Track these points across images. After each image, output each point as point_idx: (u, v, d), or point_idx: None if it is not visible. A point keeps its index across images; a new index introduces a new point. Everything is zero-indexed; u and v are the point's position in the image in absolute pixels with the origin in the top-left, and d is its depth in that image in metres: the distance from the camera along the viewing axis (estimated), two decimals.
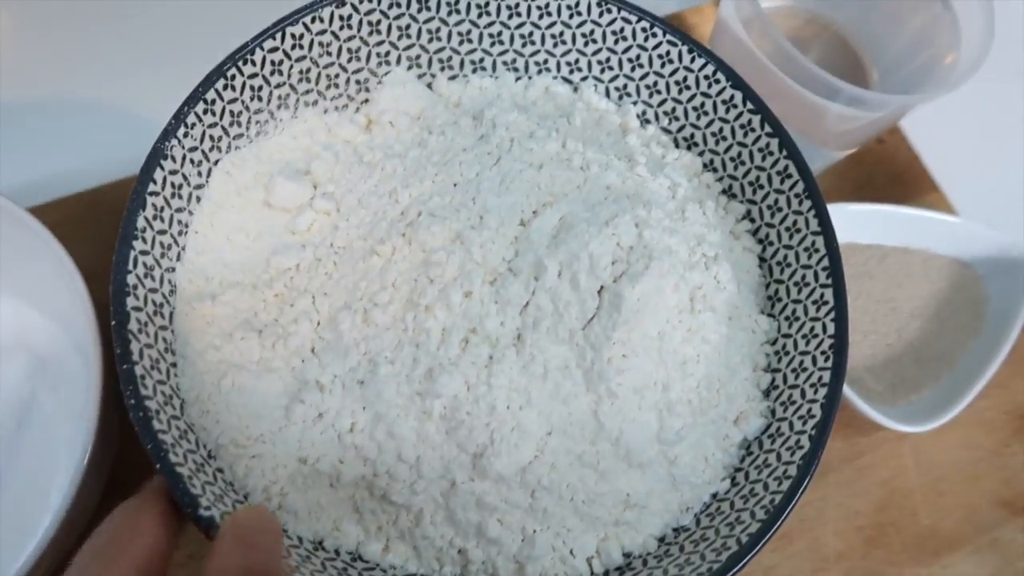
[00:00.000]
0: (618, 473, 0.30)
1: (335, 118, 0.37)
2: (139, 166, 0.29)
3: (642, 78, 0.37)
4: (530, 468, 0.30)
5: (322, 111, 0.36)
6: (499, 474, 0.30)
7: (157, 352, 0.28)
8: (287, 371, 0.31)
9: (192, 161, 0.31)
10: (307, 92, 0.35)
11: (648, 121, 0.38)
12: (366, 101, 0.37)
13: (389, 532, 0.31)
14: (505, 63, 0.38)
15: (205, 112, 0.31)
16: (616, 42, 0.36)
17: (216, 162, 0.33)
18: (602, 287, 0.28)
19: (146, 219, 0.29)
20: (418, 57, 0.37)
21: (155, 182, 0.29)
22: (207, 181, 0.33)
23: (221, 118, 0.32)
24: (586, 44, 0.37)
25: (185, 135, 0.31)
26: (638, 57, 0.36)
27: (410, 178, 0.33)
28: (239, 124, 0.33)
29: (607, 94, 0.38)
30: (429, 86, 0.38)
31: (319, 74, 0.35)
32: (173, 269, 0.31)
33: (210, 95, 0.31)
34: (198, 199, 0.32)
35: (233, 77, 0.32)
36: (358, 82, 0.37)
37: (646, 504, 0.31)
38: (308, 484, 0.30)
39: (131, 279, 0.28)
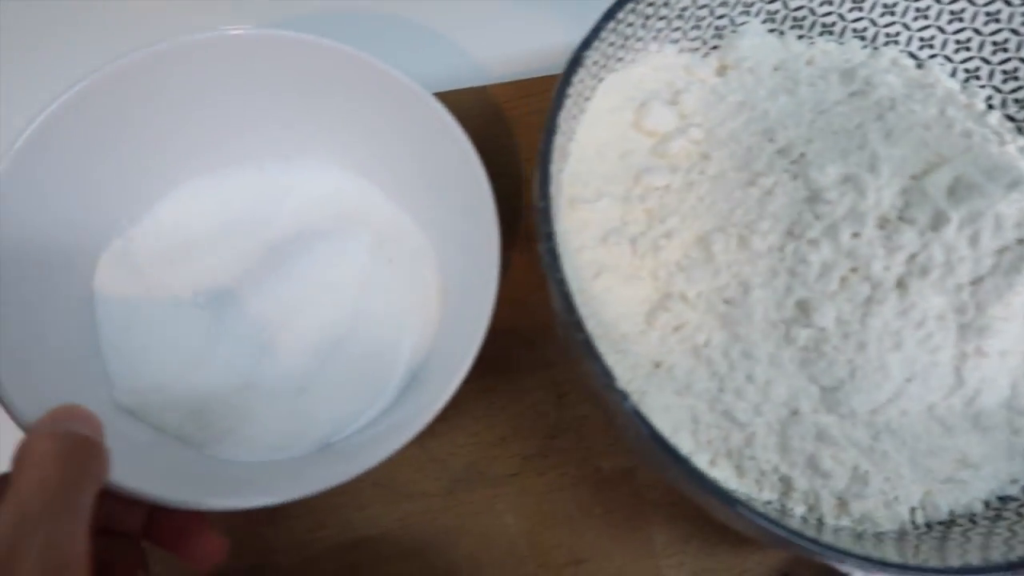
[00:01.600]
0: (961, 432, 0.31)
1: (688, 58, 0.38)
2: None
3: (1001, 63, 0.37)
4: (881, 410, 0.31)
5: (678, 50, 0.38)
6: (851, 410, 0.31)
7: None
8: (651, 280, 0.34)
9: (590, 74, 0.34)
10: (676, 29, 0.37)
11: (992, 107, 0.38)
12: (715, 48, 0.39)
13: (718, 447, 0.33)
14: (855, 30, 0.39)
15: (610, 31, 0.34)
16: (986, 23, 0.37)
17: (601, 80, 0.35)
18: (1003, 247, 0.29)
19: (561, 118, 0.32)
20: (776, 12, 0.39)
21: (571, 84, 0.32)
22: (591, 95, 0.35)
23: (615, 39, 0.34)
24: (950, 22, 0.38)
25: (595, 48, 0.33)
26: (1005, 41, 0.37)
27: (786, 120, 0.34)
28: (624, 48, 0.35)
29: (952, 74, 0.39)
30: None
31: (692, 15, 0.37)
32: (561, 171, 0.34)
33: (621, 14, 0.33)
34: (582, 111, 0.35)
35: (638, 1, 0.34)
36: (716, 28, 0.38)
37: (979, 467, 0.32)
38: (660, 387, 0.32)
39: (551, 169, 0.30)
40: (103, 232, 0.36)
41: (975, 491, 0.32)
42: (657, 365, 0.33)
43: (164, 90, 0.35)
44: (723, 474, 0.33)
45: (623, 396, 0.27)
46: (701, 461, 0.33)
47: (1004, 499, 0.32)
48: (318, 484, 0.29)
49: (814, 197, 0.31)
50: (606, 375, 0.27)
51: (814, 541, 0.26)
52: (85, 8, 0.46)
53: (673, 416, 0.33)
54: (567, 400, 0.38)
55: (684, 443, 0.33)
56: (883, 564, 0.27)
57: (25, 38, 0.45)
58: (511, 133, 0.43)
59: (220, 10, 0.47)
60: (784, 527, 0.26)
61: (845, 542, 0.30)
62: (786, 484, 0.32)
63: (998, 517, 0.31)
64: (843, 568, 0.29)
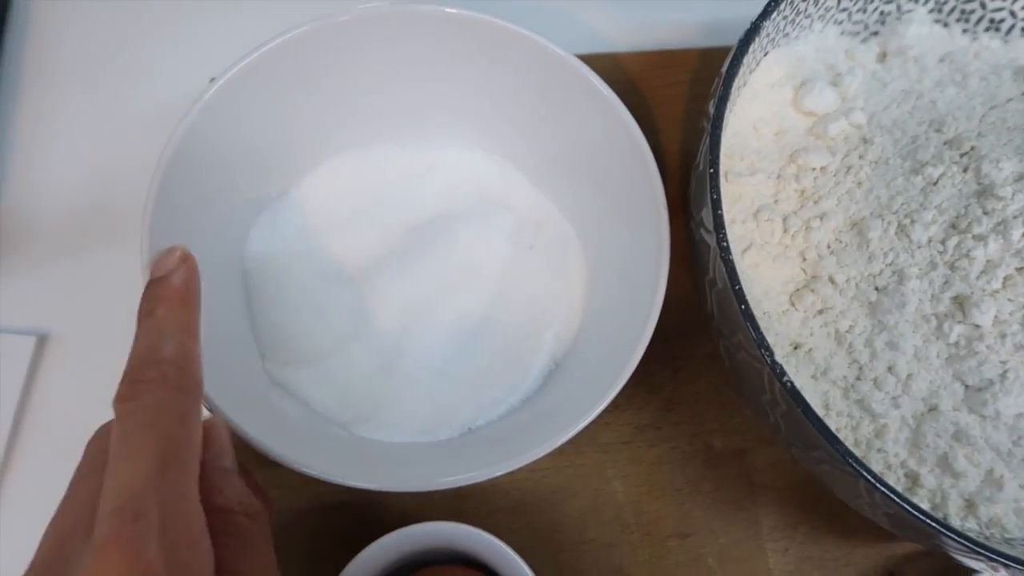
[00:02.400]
0: None
1: (849, 42, 0.38)
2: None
3: None
4: None
5: (840, 32, 0.37)
6: (996, 412, 0.30)
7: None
8: (800, 260, 0.33)
9: (760, 46, 0.33)
10: (843, 10, 0.36)
11: None
12: (875, 33, 0.38)
13: (846, 436, 0.32)
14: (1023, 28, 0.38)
15: (786, 2, 0.33)
16: None
17: (767, 53, 0.35)
18: None
19: (733, 86, 0.31)
20: (944, 2, 0.37)
21: (747, 52, 0.31)
22: (756, 68, 0.34)
23: (789, 12, 0.34)
24: None
25: (772, 19, 0.32)
26: None
27: (955, 111, 0.33)
28: (793, 23, 0.35)
29: None
30: None
31: None
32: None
33: None
34: (744, 83, 0.34)
35: None
36: (882, 13, 0.37)
37: None
38: (796, 369, 0.32)
39: (720, 136, 0.30)
40: (254, 205, 0.36)
41: None
42: (796, 347, 0.32)
43: (311, 68, 0.34)
44: None
45: (780, 370, 0.27)
46: None
47: None
48: (469, 475, 0.29)
49: (985, 192, 0.31)
50: (763, 346, 0.27)
51: (956, 533, 0.26)
52: None
53: (806, 399, 0.32)
54: (683, 375, 0.38)
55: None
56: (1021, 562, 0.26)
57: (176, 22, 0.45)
58: (647, 103, 0.43)
59: None
60: (934, 518, 0.26)
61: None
62: (912, 480, 0.32)
63: None
64: (970, 564, 0.29)
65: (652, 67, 0.44)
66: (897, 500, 0.26)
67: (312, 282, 0.35)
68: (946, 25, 0.38)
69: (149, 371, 0.23)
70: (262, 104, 0.33)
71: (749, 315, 0.27)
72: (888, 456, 0.32)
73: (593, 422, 0.37)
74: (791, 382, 0.27)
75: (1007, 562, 0.26)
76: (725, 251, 0.28)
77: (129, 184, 0.36)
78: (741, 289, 0.27)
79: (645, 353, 0.38)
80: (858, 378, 0.32)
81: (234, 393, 0.29)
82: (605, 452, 0.37)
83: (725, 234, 0.28)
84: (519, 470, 0.36)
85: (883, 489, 0.26)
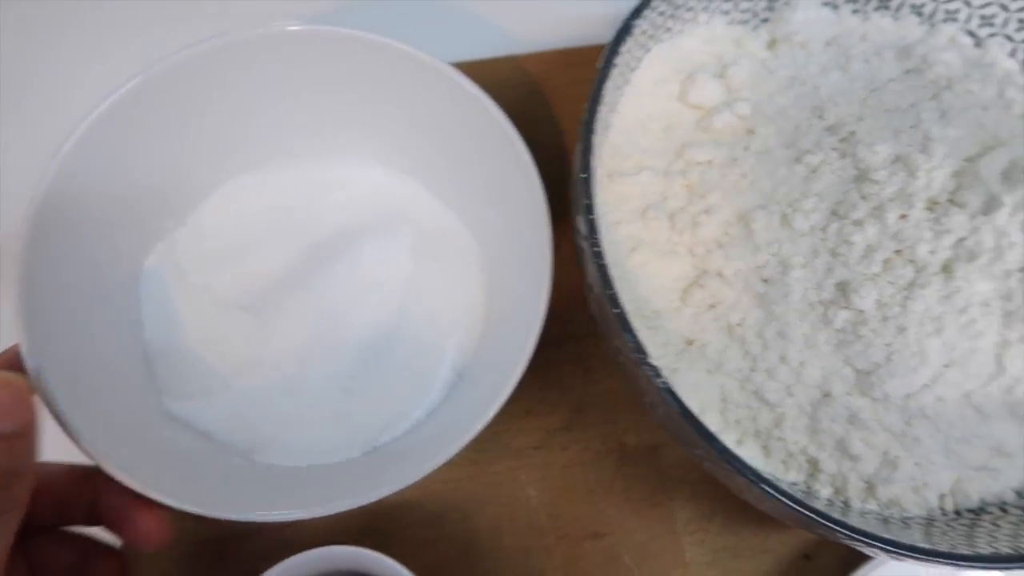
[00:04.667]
0: (998, 420, 0.31)
1: (739, 31, 0.37)
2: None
3: None
4: (917, 395, 0.31)
5: (728, 22, 0.37)
6: (885, 394, 0.31)
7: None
8: (689, 257, 0.33)
9: (638, 44, 0.33)
10: (727, 0, 0.36)
11: None
12: (766, 20, 0.38)
13: (746, 427, 0.32)
14: (913, 5, 0.38)
15: (654, 1, 0.33)
16: None
17: (648, 50, 0.35)
18: None
19: (607, 88, 0.31)
20: None
21: (618, 53, 0.31)
22: (637, 66, 0.34)
23: (665, 7, 0.33)
24: None
25: (645, 16, 0.32)
26: None
27: (837, 96, 0.33)
28: (673, 18, 0.35)
29: (1012, 54, 0.37)
30: None
31: None
32: (602, 143, 0.33)
33: None
34: (627, 82, 0.34)
35: None
36: (769, 0, 0.37)
37: (1014, 456, 0.31)
38: (691, 365, 0.32)
39: (595, 140, 0.30)
40: (147, 235, 0.35)
41: (1008, 480, 0.31)
42: (689, 342, 0.32)
43: (201, 90, 0.34)
44: (750, 454, 0.32)
45: (655, 372, 0.27)
46: (728, 440, 0.32)
47: None
48: (370, 494, 0.29)
49: (862, 176, 0.31)
50: (638, 350, 0.27)
51: (840, 523, 0.26)
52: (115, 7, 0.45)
53: (703, 394, 0.32)
54: (594, 375, 0.38)
55: (712, 422, 0.32)
56: (911, 549, 0.27)
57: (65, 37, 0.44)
58: (549, 104, 0.42)
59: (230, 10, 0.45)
60: (811, 508, 0.26)
61: (871, 526, 0.29)
62: (813, 466, 0.32)
63: None
64: (868, 552, 0.29)
65: (556, 66, 0.44)
66: (772, 492, 0.26)
67: (210, 311, 0.35)
68: (835, 7, 0.38)
69: None
70: (144, 134, 0.33)
71: (623, 319, 0.27)
72: (788, 444, 0.32)
73: (505, 429, 0.37)
74: (665, 383, 0.27)
75: (885, 547, 0.26)
76: (598, 256, 0.28)
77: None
78: (615, 294, 0.27)
79: (556, 355, 0.39)
80: (752, 369, 0.32)
81: (121, 437, 0.29)
82: (518, 458, 0.37)
83: (598, 239, 0.28)
84: (432, 482, 0.36)
85: (761, 485, 0.26)
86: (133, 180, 0.34)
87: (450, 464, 0.36)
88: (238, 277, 0.36)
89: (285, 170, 0.38)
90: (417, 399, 0.34)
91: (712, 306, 0.32)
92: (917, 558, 0.26)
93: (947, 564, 0.26)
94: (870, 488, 0.32)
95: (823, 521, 0.26)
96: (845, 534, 0.26)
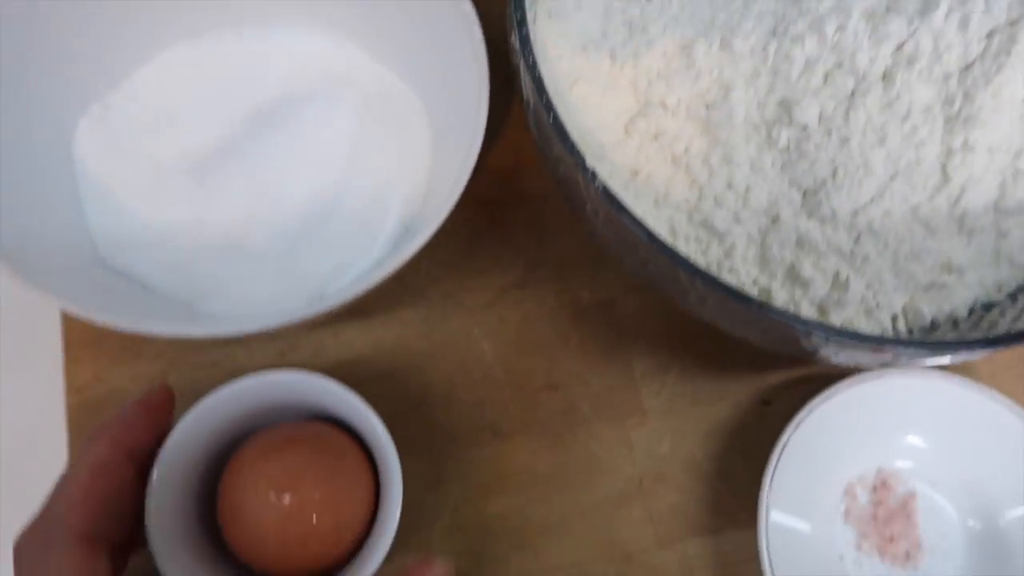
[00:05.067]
0: (946, 234, 0.31)
1: None
2: None
3: None
4: (863, 211, 0.30)
5: None
6: (833, 212, 0.30)
7: None
8: (631, 90, 0.33)
9: None
10: None
11: None
12: None
13: (697, 260, 0.32)
14: None
15: None
16: None
17: None
18: (993, 30, 0.28)
19: None
20: None
21: None
22: None
23: None
24: None
25: None
26: None
27: None
28: None
29: None
30: None
31: None
32: None
33: None
34: None
35: None
36: None
37: (964, 272, 0.31)
38: (638, 196, 0.32)
39: None
40: (81, 97, 0.35)
41: (959, 298, 0.31)
42: (635, 173, 0.32)
43: None
44: None
45: (592, 175, 0.26)
46: None
47: (988, 306, 0.31)
48: (286, 317, 0.28)
49: None
50: (573, 152, 0.26)
51: (796, 318, 0.26)
52: None
53: (651, 228, 0.32)
54: (548, 234, 0.38)
55: None
56: (879, 340, 0.26)
57: None
58: None
59: None
60: (746, 296, 0.25)
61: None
62: (765, 295, 0.32)
63: (981, 322, 0.30)
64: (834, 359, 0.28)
65: None
66: (716, 280, 0.26)
67: (147, 173, 0.34)
68: None
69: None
70: None
71: (558, 125, 0.27)
72: (740, 275, 0.32)
73: (458, 287, 0.37)
74: (604, 184, 0.26)
75: (825, 332, 0.26)
76: (529, 62, 0.27)
77: None
78: (549, 100, 0.27)
79: (510, 215, 0.38)
80: (699, 199, 0.32)
81: (62, 277, 0.29)
82: (471, 315, 0.36)
83: (531, 49, 0.28)
84: (383, 340, 0.36)
85: (701, 272, 0.26)
86: (64, 41, 0.33)
87: (401, 322, 0.36)
88: (177, 142, 0.35)
89: (224, 38, 0.37)
90: (363, 251, 0.34)
91: (656, 136, 0.32)
92: (857, 343, 0.26)
93: (892, 349, 0.26)
94: (823, 313, 0.31)
95: (758, 310, 0.26)
96: (783, 322, 0.26)
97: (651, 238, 0.26)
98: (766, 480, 0.32)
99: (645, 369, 0.36)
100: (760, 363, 0.36)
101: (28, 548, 0.24)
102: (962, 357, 0.27)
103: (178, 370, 0.35)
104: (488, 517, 0.34)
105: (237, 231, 0.34)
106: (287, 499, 0.26)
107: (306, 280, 0.33)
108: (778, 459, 0.32)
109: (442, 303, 0.36)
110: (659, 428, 0.35)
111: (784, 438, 0.32)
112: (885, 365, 0.28)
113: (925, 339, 0.27)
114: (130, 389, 0.34)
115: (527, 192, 0.38)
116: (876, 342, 0.26)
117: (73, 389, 0.34)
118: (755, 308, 0.26)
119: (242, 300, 0.33)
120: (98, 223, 0.33)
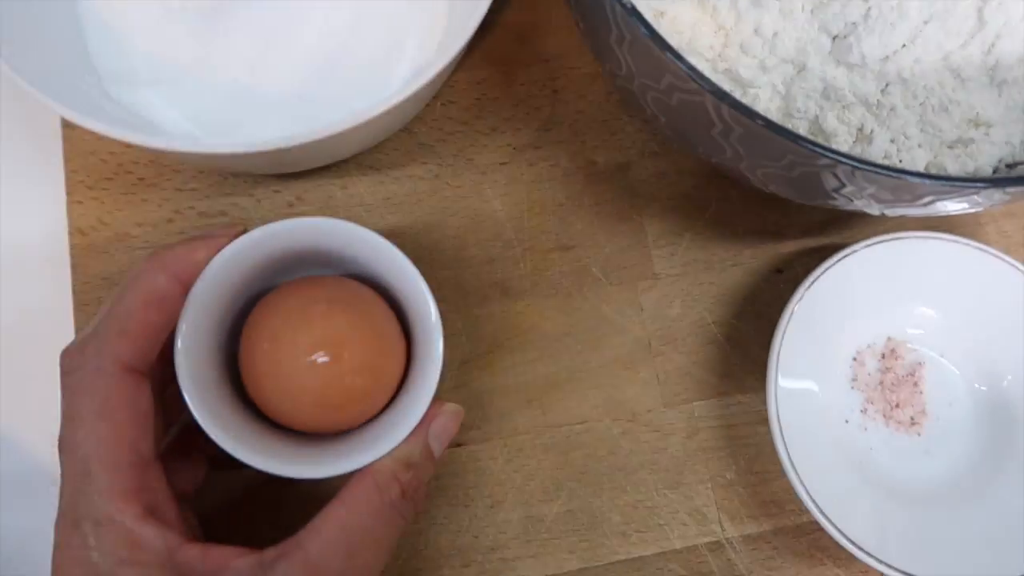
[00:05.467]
0: (976, 86, 0.30)
1: None
2: None
3: None
4: (894, 57, 0.29)
5: None
6: (862, 57, 0.29)
7: None
8: None
9: None
10: None
11: None
12: None
13: None
14: None
15: None
16: None
17: None
18: None
19: None
20: None
21: None
22: None
23: None
24: None
25: None
26: None
27: None
28: None
29: None
30: None
31: None
32: None
33: None
34: None
35: None
36: None
37: (991, 127, 0.30)
38: None
39: None
40: None
41: (985, 156, 0.30)
42: (661, 15, 0.31)
43: None
44: None
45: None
46: None
47: (1012, 166, 0.30)
48: (291, 140, 0.27)
49: None
50: None
51: (823, 147, 0.25)
52: None
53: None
54: (563, 95, 0.37)
55: None
56: (906, 173, 0.25)
57: None
58: None
59: None
60: (796, 135, 0.25)
61: None
62: None
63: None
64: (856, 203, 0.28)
65: None
66: (742, 104, 0.25)
67: (155, 10, 0.33)
68: None
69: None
70: None
71: None
72: None
73: (470, 144, 0.36)
74: (631, 2, 0.25)
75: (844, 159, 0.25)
76: None
77: None
78: None
79: (525, 75, 0.37)
80: (725, 46, 0.31)
81: (64, 92, 0.28)
82: (483, 173, 0.35)
83: None
84: (394, 194, 0.35)
85: (727, 96, 0.25)
86: None
87: (412, 178, 0.35)
88: None
89: None
90: (375, 94, 0.33)
91: None
92: (881, 176, 0.25)
93: (918, 184, 0.25)
94: None
95: (785, 138, 0.25)
96: (808, 152, 0.25)
97: (677, 57, 0.25)
98: (776, 342, 0.31)
99: (658, 233, 0.35)
100: (774, 231, 0.36)
101: (77, 368, 0.24)
102: (989, 199, 0.26)
103: (184, 217, 0.34)
104: (495, 372, 0.33)
105: (246, 75, 0.33)
106: (329, 362, 0.26)
107: (317, 122, 0.32)
108: (788, 321, 0.32)
109: (453, 160, 0.35)
110: (670, 292, 0.35)
111: (794, 300, 0.32)
112: (907, 207, 0.28)
113: (950, 176, 0.26)
114: (134, 233, 0.34)
115: (543, 52, 0.37)
116: (902, 174, 0.25)
117: (76, 231, 0.33)
118: (781, 135, 0.25)
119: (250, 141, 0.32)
120: (101, 55, 0.32)
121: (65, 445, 0.23)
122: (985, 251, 0.33)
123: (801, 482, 0.29)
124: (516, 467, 0.32)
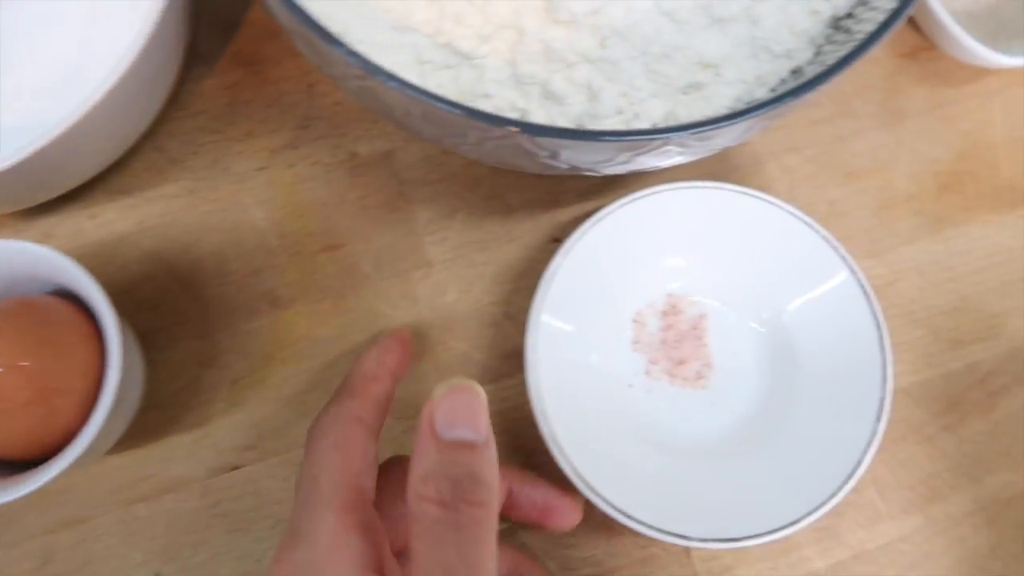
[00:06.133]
0: (696, 28, 0.29)
1: None
2: None
3: None
4: (605, 10, 0.28)
5: None
6: (571, 12, 0.28)
7: None
8: None
9: None
10: None
11: None
12: None
13: (449, 89, 0.30)
14: None
15: None
16: None
17: None
18: None
19: None
20: None
21: None
22: None
23: None
24: None
25: None
26: None
27: None
28: None
29: None
30: None
31: None
32: None
33: None
34: None
35: None
36: None
37: (721, 68, 0.29)
38: (372, 23, 0.29)
39: None
40: None
41: (720, 98, 0.29)
42: None
43: None
44: None
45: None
46: None
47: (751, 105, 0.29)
48: None
49: None
50: None
51: (484, 115, 0.24)
52: None
53: (394, 57, 0.30)
54: (319, 88, 0.35)
55: None
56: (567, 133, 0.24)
57: None
58: None
59: None
60: (448, 101, 0.23)
61: None
62: (524, 119, 0.30)
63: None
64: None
65: None
66: (407, 85, 0.23)
67: None
68: None
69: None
70: None
71: None
72: (497, 100, 0.29)
73: (224, 154, 0.35)
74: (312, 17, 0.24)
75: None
76: None
77: None
78: None
79: (276, 72, 0.35)
80: (440, 17, 0.29)
81: None
82: (241, 182, 0.34)
83: None
84: (147, 217, 0.34)
85: (399, 81, 0.23)
86: None
87: (165, 197, 0.34)
88: None
89: None
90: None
91: None
92: (586, 142, 0.24)
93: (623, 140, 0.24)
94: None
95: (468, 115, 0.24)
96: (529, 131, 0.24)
97: (330, 41, 0.23)
98: (534, 314, 0.30)
99: (429, 219, 0.34)
100: (551, 200, 0.35)
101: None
102: (718, 136, 0.25)
103: None
104: (269, 387, 0.32)
105: None
106: None
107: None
108: (544, 300, 0.30)
109: (208, 173, 0.34)
110: (444, 278, 0.34)
111: (552, 267, 0.31)
112: (625, 164, 0.27)
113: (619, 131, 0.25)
114: None
115: (294, 46, 0.35)
116: (569, 135, 0.24)
117: None
118: (451, 109, 0.23)
119: None
120: None
121: (301, 475, 0.25)
122: (744, 193, 0.32)
123: (564, 455, 0.28)
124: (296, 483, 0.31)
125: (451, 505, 0.22)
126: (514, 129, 0.24)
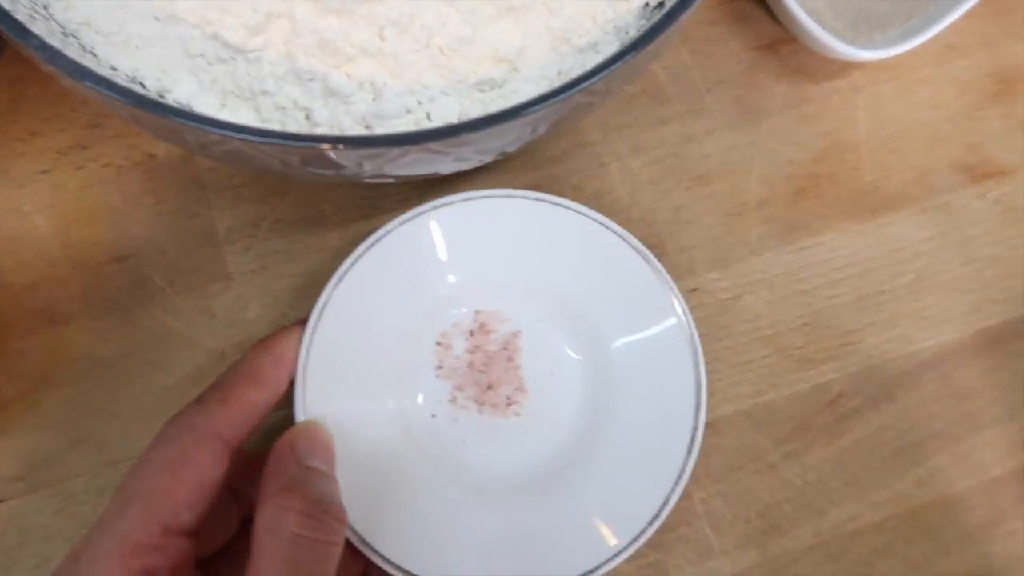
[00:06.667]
0: (485, 18, 0.26)
1: None
2: None
3: None
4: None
5: None
6: (343, 5, 0.25)
7: None
8: None
9: None
10: None
11: None
12: None
13: (226, 85, 0.27)
14: None
15: None
16: None
17: None
18: None
19: None
20: None
21: None
22: None
23: None
24: None
25: None
26: None
27: None
28: None
29: None
30: None
31: None
32: None
33: None
34: None
35: None
36: None
37: (518, 63, 0.26)
38: (136, 14, 0.26)
39: None
40: None
41: (521, 97, 0.26)
42: None
43: None
44: (240, 117, 0.27)
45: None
46: (209, 104, 0.27)
47: None
48: None
49: None
50: None
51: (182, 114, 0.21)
52: None
53: (161, 52, 0.27)
54: None
55: (184, 86, 0.27)
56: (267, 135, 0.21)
57: None
58: None
59: None
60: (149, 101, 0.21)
61: None
62: (310, 120, 0.27)
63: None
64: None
65: None
66: (113, 86, 0.21)
67: None
68: None
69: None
70: None
71: None
72: (280, 99, 0.27)
73: (5, 155, 0.31)
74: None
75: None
76: None
77: None
78: None
79: None
80: (206, 6, 0.26)
81: None
82: (21, 186, 0.31)
83: None
84: None
85: (93, 78, 0.21)
86: None
87: None
88: None
89: None
90: None
91: None
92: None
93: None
94: (370, 131, 0.27)
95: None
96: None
97: (22, 33, 0.20)
98: (301, 362, 0.27)
99: (231, 227, 0.31)
100: (367, 205, 0.32)
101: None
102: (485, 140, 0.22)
103: None
104: (41, 413, 0.29)
105: None
106: None
107: None
108: (315, 327, 0.27)
109: None
110: (246, 292, 0.31)
111: (321, 301, 0.27)
112: (401, 166, 0.24)
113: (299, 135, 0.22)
114: None
115: None
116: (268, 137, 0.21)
117: None
118: (152, 111, 0.21)
119: None
120: None
121: (121, 483, 0.23)
122: (553, 203, 0.29)
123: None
124: (68, 516, 0.29)
125: (316, 517, 0.23)
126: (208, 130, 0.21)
